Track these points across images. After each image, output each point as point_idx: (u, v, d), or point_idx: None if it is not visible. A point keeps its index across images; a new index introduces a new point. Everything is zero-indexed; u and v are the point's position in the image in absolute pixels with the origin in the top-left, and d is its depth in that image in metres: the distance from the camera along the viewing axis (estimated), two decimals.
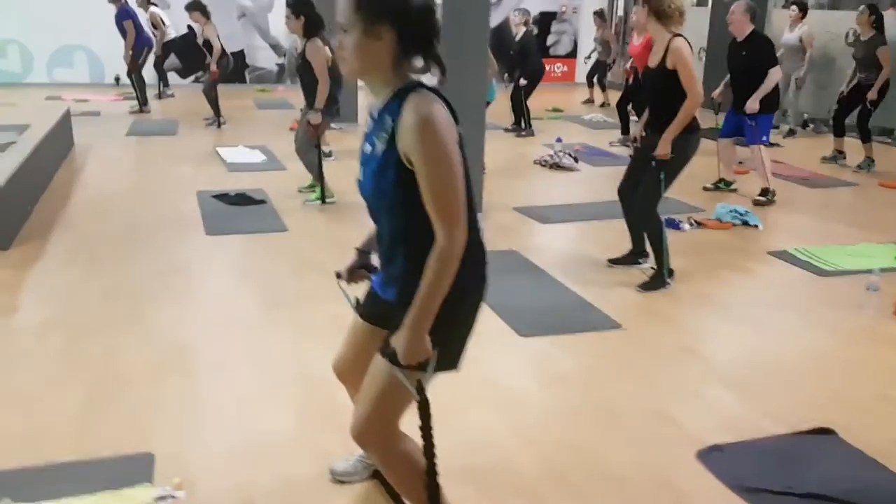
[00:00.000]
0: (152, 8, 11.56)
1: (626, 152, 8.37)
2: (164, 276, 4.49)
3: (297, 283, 4.43)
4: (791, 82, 9.45)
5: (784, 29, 9.65)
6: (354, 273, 2.31)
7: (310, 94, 5.91)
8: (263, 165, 7.54)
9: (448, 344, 1.94)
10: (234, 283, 4.45)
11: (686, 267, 4.74)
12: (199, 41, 9.64)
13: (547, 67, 15.74)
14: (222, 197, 6.22)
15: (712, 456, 2.74)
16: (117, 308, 4.01)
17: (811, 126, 10.16)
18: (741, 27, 6.07)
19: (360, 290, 2.30)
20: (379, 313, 2.12)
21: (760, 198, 6.38)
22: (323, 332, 3.72)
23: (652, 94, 4.53)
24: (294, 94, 12.96)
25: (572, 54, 16.08)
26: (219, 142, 8.66)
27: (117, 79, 13.44)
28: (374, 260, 2.20)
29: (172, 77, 13.03)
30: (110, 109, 10.81)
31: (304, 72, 5.88)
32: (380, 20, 1.80)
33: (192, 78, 13.85)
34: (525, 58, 9.56)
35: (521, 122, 9.71)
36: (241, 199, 6.16)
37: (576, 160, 7.74)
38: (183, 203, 6.07)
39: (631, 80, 8.63)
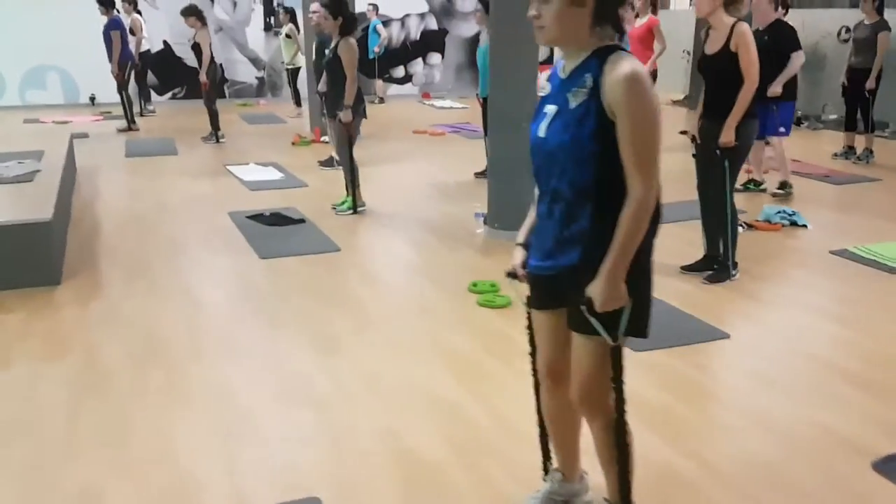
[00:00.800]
0: (135, 15, 11.23)
1: None
2: (242, 303, 4.30)
3: (380, 304, 4.29)
4: None
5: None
6: (526, 269, 2.24)
7: (338, 92, 5.86)
8: (283, 183, 7.33)
9: (639, 297, 1.98)
10: (319, 307, 4.26)
11: (759, 269, 4.74)
12: (190, 45, 9.34)
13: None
14: (258, 217, 6.02)
15: (891, 466, 2.70)
16: (213, 337, 3.82)
17: (805, 123, 10.35)
18: (766, 16, 6.10)
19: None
20: (552, 292, 2.13)
21: (779, 191, 6.53)
22: (432, 348, 3.61)
23: (713, 81, 4.54)
24: (278, 108, 12.80)
25: (549, 60, 16.14)
26: (226, 160, 8.42)
27: (92, 98, 13.05)
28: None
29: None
30: (96, 130, 10.43)
31: (333, 69, 5.88)
32: None
33: (168, 94, 13.52)
34: None
35: None
36: (280, 220, 5.96)
37: None
38: (219, 225, 5.85)
39: None
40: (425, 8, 14.84)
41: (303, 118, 11.71)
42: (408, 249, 5.32)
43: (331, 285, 4.60)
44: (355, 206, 5.98)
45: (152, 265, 4.95)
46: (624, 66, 1.86)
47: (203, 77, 9.04)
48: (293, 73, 11.96)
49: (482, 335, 3.84)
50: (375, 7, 13.40)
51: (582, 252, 1.99)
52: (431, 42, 15.08)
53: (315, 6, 7.50)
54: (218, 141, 9.37)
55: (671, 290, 4.40)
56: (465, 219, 6.04)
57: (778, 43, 6.13)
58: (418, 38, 14.95)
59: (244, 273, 4.81)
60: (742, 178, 6.85)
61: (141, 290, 4.49)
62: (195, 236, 5.57)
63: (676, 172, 5.76)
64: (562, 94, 1.98)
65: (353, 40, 5.78)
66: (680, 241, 5.13)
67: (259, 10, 13.73)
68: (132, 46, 10.89)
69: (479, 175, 7.50)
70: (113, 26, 9.94)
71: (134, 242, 5.42)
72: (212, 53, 9.15)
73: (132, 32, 11.01)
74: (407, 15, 14.72)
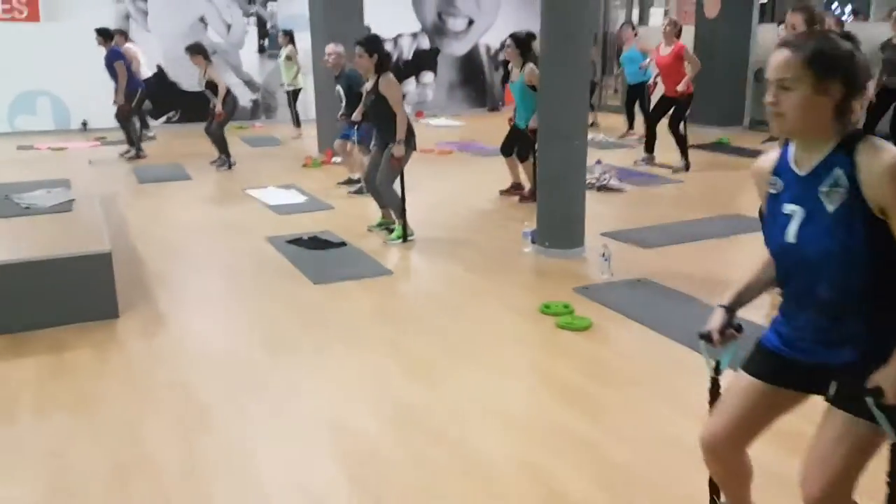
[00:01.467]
0: (128, 44, 11.06)
1: (657, 171, 8.52)
2: (316, 329, 4.20)
3: (459, 328, 4.21)
4: None
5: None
6: (724, 333, 2.15)
7: (387, 128, 5.75)
8: (308, 206, 7.24)
9: None
10: (398, 332, 4.17)
11: None
12: (201, 85, 9.24)
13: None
14: (298, 241, 5.92)
15: None
16: (303, 366, 3.72)
17: None
18: None
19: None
20: (804, 378, 1.96)
21: None
22: (533, 374, 3.56)
23: None
24: (275, 129, 12.68)
25: None
26: (242, 183, 8.29)
27: (84, 124, 12.81)
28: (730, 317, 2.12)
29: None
30: (96, 156, 10.21)
31: (377, 108, 5.78)
32: (831, 75, 1.77)
33: (163, 119, 13.33)
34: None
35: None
36: (320, 244, 5.87)
37: (619, 181, 7.78)
38: (260, 251, 5.74)
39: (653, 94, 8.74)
40: (417, 27, 14.87)
41: (303, 139, 11.66)
42: (459, 271, 5.26)
43: (399, 309, 4.53)
44: (405, 236, 5.91)
45: (209, 294, 4.83)
46: (883, 156, 1.72)
47: (220, 108, 8.93)
48: (293, 95, 11.89)
49: (577, 359, 3.77)
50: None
51: (860, 352, 1.84)
52: (424, 61, 15.10)
53: (330, 48, 7.58)
54: (230, 167, 9.22)
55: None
56: (505, 237, 6.01)
57: None
58: (410, 57, 14.96)
59: (304, 298, 4.71)
60: None
61: (206, 321, 4.38)
62: (241, 263, 5.46)
63: None
64: (808, 193, 1.84)
65: (392, 76, 5.74)
66: (733, 255, 5.15)
67: (253, 32, 13.63)
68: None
69: (504, 193, 7.49)
70: (114, 57, 9.75)
71: (182, 271, 5.29)
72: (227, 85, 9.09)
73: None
74: (399, 35, 14.72)
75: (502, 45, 15.76)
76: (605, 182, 7.63)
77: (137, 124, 11.44)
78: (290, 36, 11.74)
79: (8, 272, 4.13)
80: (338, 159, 9.52)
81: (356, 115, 7.31)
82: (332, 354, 3.90)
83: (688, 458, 2.54)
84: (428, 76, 15.24)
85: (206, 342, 4.07)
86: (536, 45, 6.25)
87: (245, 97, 13.84)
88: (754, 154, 9.56)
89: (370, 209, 7.11)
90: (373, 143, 6.20)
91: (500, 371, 3.68)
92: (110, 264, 4.35)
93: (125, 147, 10.23)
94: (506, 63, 13.81)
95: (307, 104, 12.35)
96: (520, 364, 3.75)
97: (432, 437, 3.05)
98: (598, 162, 8.07)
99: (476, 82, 15.68)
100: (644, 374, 3.60)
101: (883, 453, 1.84)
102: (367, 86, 5.89)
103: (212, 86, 8.99)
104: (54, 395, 3.49)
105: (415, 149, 5.90)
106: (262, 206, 7.24)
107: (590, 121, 12.40)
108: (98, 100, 12.73)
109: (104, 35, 9.92)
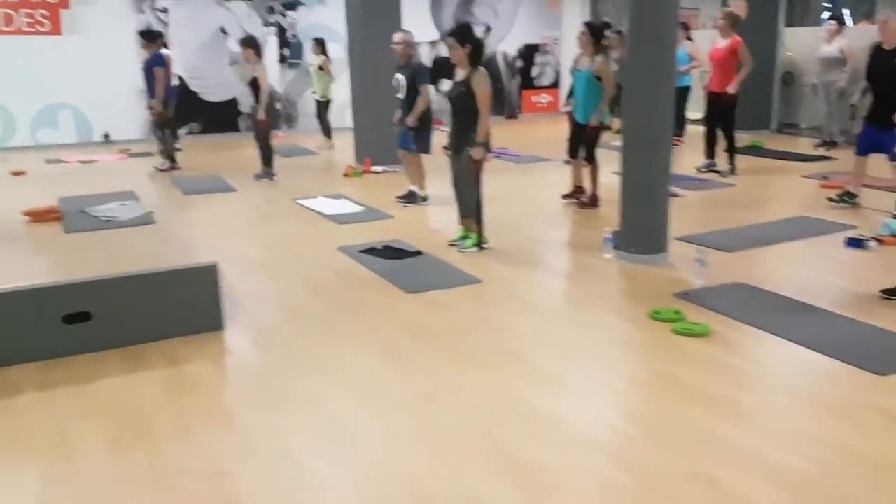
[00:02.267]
0: (165, 51, 10.95)
1: (703, 175, 8.54)
2: (430, 340, 4.15)
3: (575, 337, 4.18)
4: (831, 93, 9.91)
5: (816, 45, 10.17)
6: None
7: (466, 127, 5.62)
8: (366, 215, 7.18)
9: None
10: (517, 342, 4.14)
11: None
12: (245, 80, 9.12)
13: (532, 98, 16.15)
14: (372, 251, 5.87)
15: None
16: (434, 377, 3.67)
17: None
18: (894, 36, 5.98)
19: None
20: None
21: None
22: (677, 386, 3.53)
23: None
24: (300, 139, 12.62)
25: (555, 84, 16.32)
26: (290, 194, 8.24)
27: (106, 135, 12.70)
28: None
29: None
30: (129, 169, 10.11)
31: (463, 103, 5.60)
32: None
33: (184, 130, 13.23)
34: None
35: None
36: (396, 253, 5.83)
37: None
38: (337, 261, 5.69)
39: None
40: (436, 35, 14.88)
41: (335, 149, 11.61)
42: (547, 278, 5.24)
43: (503, 318, 4.48)
44: (481, 243, 5.82)
45: (304, 305, 4.77)
46: None
47: (262, 114, 8.83)
48: (325, 105, 11.83)
49: (708, 366, 3.74)
50: None
51: None
52: (442, 69, 15.05)
53: (399, 35, 7.43)
54: (272, 179, 9.14)
55: (874, 312, 4.41)
56: (579, 243, 6.01)
57: None
58: (431, 65, 14.93)
59: (402, 309, 4.66)
60: (836, 191, 7.02)
61: (313, 332, 4.32)
62: (323, 274, 5.40)
63: None
64: None
65: (485, 71, 5.59)
66: (824, 259, 5.14)
67: (273, 42, 13.57)
68: None
69: (567, 197, 7.45)
70: (156, 62, 9.61)
71: (266, 282, 5.22)
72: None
73: None
74: (418, 43, 14.70)
75: (519, 54, 15.98)
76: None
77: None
78: (322, 45, 11.67)
79: (120, 286, 4.06)
80: (380, 168, 9.51)
81: (412, 121, 7.26)
82: (454, 365, 3.85)
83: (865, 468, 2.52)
84: (446, 84, 15.19)
85: (322, 354, 4.02)
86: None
87: None
88: (793, 157, 9.64)
89: (430, 217, 7.12)
90: (445, 145, 6.04)
91: (629, 379, 3.65)
92: (217, 276, 4.30)
93: (161, 160, 10.09)
94: (522, 70, 13.77)
95: (338, 113, 12.34)
96: (647, 371, 3.71)
97: (586, 449, 3.02)
98: None
99: (494, 90, 15.67)
100: (785, 381, 3.58)
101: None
102: (457, 78, 5.71)
103: (255, 84, 8.83)
104: (190, 410, 3.43)
105: (490, 150, 5.81)
106: (318, 217, 7.19)
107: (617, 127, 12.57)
108: (119, 112, 12.72)
109: (148, 37, 9.76)
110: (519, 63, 15.91)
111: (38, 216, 5.35)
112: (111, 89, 12.53)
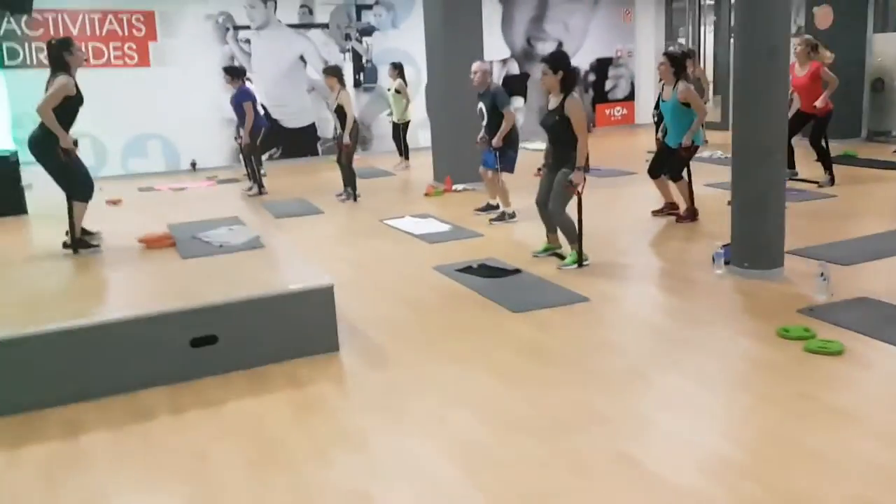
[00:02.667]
0: (248, 84, 11.24)
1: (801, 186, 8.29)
2: (552, 361, 4.10)
3: (707, 359, 4.06)
4: None
5: None
6: None
7: (565, 151, 5.65)
8: (456, 234, 7.19)
9: None
10: (644, 363, 4.07)
11: None
12: (331, 108, 9.34)
13: (606, 111, 16.02)
14: (468, 270, 5.86)
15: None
16: (556, 399, 3.61)
17: None
18: None
19: None
20: None
21: None
22: (823, 411, 3.38)
23: None
24: (375, 161, 12.76)
25: (630, 97, 16.16)
26: (376, 214, 8.31)
27: (193, 164, 13.08)
28: None
29: None
30: (220, 195, 10.37)
31: (560, 129, 5.63)
32: None
33: (265, 156, 13.52)
34: None
35: None
36: (494, 271, 5.79)
37: None
38: (434, 280, 5.69)
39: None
40: (507, 53, 14.92)
41: (412, 169, 11.72)
42: (658, 294, 5.13)
43: (622, 339, 4.37)
44: (580, 261, 5.77)
45: (414, 325, 4.78)
46: None
47: (347, 139, 9.00)
48: (403, 127, 11.96)
49: (852, 388, 3.59)
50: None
51: None
52: (514, 86, 15.07)
53: (476, 65, 7.57)
54: (356, 200, 9.26)
55: None
56: (683, 259, 5.88)
57: None
58: (500, 82, 14.96)
59: (513, 329, 4.61)
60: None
61: (428, 353, 4.30)
62: (425, 294, 5.40)
63: None
64: None
65: (578, 97, 5.62)
66: None
67: (349, 67, 13.80)
68: None
69: (657, 213, 7.35)
70: (243, 97, 9.89)
71: (372, 303, 5.24)
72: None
73: None
74: (490, 61, 14.75)
75: (591, 68, 15.89)
76: None
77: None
78: (399, 69, 11.84)
79: (244, 309, 4.14)
80: (461, 186, 9.54)
81: (497, 141, 7.31)
82: (578, 387, 3.77)
83: None
84: (518, 101, 15.20)
85: (440, 375, 3.99)
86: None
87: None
88: (888, 165, 9.28)
89: (522, 234, 7.08)
90: (541, 166, 6.10)
91: (765, 399, 3.51)
92: (332, 297, 4.34)
93: (248, 184, 10.36)
94: (595, 84, 13.62)
95: (411, 134, 12.46)
96: (784, 392, 3.53)
97: (733, 472, 2.90)
98: None
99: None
100: None
101: None
102: (550, 105, 5.74)
103: (341, 112, 9.01)
104: (321, 431, 3.44)
105: (588, 171, 5.78)
106: (408, 237, 7.22)
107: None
108: (205, 140, 13.10)
109: (233, 74, 10.10)
110: (591, 77, 15.81)
111: (153, 242, 5.50)
112: (197, 118, 12.91)
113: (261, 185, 10.27)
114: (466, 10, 9.66)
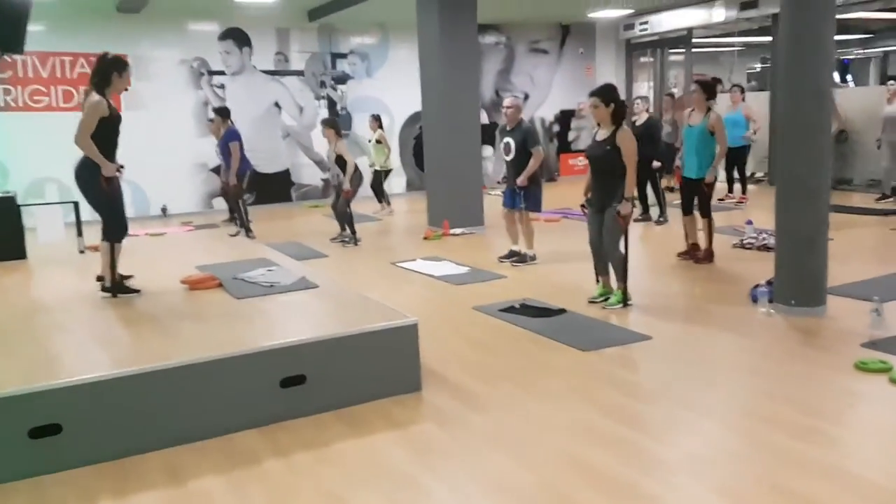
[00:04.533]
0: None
1: None
2: (645, 398, 4.09)
3: (793, 390, 4.14)
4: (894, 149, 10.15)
5: (871, 103, 10.46)
6: None
7: (611, 184, 5.65)
8: (477, 276, 7.15)
9: None
10: (736, 394, 4.09)
11: None
12: (330, 159, 9.29)
13: (570, 161, 16.41)
14: (511, 310, 5.83)
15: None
16: (687, 436, 3.60)
17: None
18: None
19: None
20: None
21: None
22: None
23: None
24: (354, 206, 12.64)
25: None
26: (383, 258, 8.23)
27: (164, 209, 12.71)
28: None
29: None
30: (203, 240, 10.06)
31: (609, 160, 5.63)
32: None
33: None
34: (654, 142, 9.54)
35: (660, 208, 9.76)
36: (540, 311, 5.78)
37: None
38: (482, 320, 5.65)
39: None
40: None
41: (396, 215, 11.70)
42: (717, 333, 5.13)
43: (713, 376, 4.37)
44: (625, 300, 5.80)
45: (487, 365, 4.70)
46: None
47: (347, 185, 8.94)
48: (385, 175, 11.97)
49: None
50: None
51: None
52: (483, 136, 15.28)
53: (509, 100, 7.57)
54: (356, 244, 9.15)
55: None
56: (720, 298, 6.00)
57: None
58: None
59: (593, 366, 4.59)
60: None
61: (515, 393, 4.22)
62: (483, 333, 5.35)
63: None
64: None
65: (628, 128, 5.68)
66: None
67: (324, 114, 13.74)
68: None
69: (682, 255, 7.43)
70: (231, 137, 9.75)
71: (433, 344, 5.11)
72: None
73: None
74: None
75: (555, 119, 16.30)
76: (765, 241, 7.69)
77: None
78: (378, 121, 11.95)
79: (332, 347, 4.01)
80: (458, 230, 9.55)
81: (522, 180, 7.30)
82: (705, 421, 3.78)
83: None
84: (487, 150, 15.43)
85: (540, 414, 3.92)
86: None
87: (315, 177, 13.92)
88: (861, 211, 9.77)
89: (545, 275, 7.09)
90: (583, 202, 6.05)
91: (884, 431, 3.59)
92: (416, 335, 4.24)
93: (234, 229, 10.11)
94: (559, 134, 13.89)
95: (388, 181, 12.44)
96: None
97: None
98: (749, 222, 8.17)
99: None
100: None
101: None
102: (599, 135, 5.76)
103: (340, 161, 8.99)
104: (449, 469, 3.33)
105: (636, 206, 5.79)
106: (428, 279, 7.16)
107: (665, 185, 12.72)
108: (176, 185, 12.77)
109: (223, 114, 9.97)
110: (556, 128, 16.23)
111: (197, 284, 5.28)
112: (168, 163, 12.60)
113: (248, 230, 10.03)
114: (464, 56, 9.82)
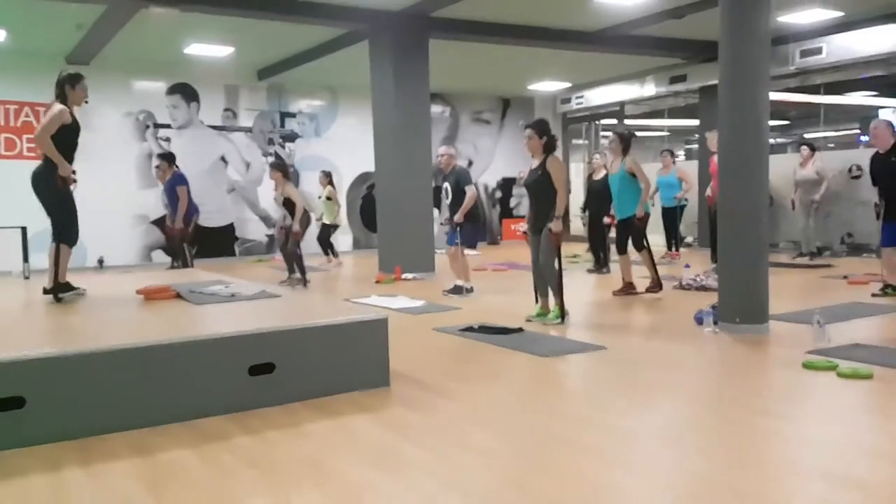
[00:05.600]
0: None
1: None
2: (620, 390, 4.19)
3: (747, 390, 4.31)
4: (810, 211, 10.78)
5: (789, 169, 11.14)
6: None
7: (545, 207, 6.12)
8: (433, 308, 7.25)
9: None
10: (682, 405, 4.24)
11: None
12: (278, 202, 9.36)
13: (512, 226, 16.82)
14: (471, 329, 5.92)
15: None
16: (677, 421, 3.70)
17: (828, 252, 11.33)
18: (885, 140, 6.95)
19: None
20: None
21: None
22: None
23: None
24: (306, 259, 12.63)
25: None
26: (340, 296, 8.24)
27: (101, 261, 12.43)
28: None
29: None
30: (148, 280, 9.87)
31: (541, 185, 6.16)
32: None
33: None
34: (606, 198, 9.96)
35: (600, 260, 10.09)
36: (498, 330, 5.86)
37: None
38: (444, 338, 5.72)
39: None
40: None
41: (344, 267, 11.74)
42: (670, 346, 5.29)
43: (679, 378, 4.50)
44: (562, 315, 6.12)
45: (453, 370, 4.76)
46: None
47: (296, 227, 9.01)
48: (333, 229, 12.07)
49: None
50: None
51: None
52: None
53: (442, 149, 8.25)
54: (305, 286, 9.14)
55: None
56: (666, 321, 6.23)
57: None
58: None
59: (561, 369, 4.71)
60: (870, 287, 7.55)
61: (478, 389, 4.27)
62: (448, 345, 5.45)
63: None
64: None
65: (557, 155, 6.23)
66: None
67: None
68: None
69: (618, 293, 7.74)
70: (178, 181, 9.74)
71: (399, 351, 5.13)
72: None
73: None
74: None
75: (498, 185, 16.79)
76: (702, 282, 8.02)
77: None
78: (329, 177, 12.16)
79: (303, 337, 4.01)
80: (410, 274, 9.65)
81: (459, 217, 7.71)
82: (689, 406, 3.90)
83: None
84: (433, 213, 15.72)
85: (514, 408, 3.96)
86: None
87: (260, 233, 13.89)
88: (787, 266, 10.30)
89: (498, 304, 7.24)
90: (525, 228, 6.47)
91: (830, 416, 3.78)
92: (387, 330, 4.29)
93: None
94: (501, 200, 14.36)
95: (333, 237, 12.51)
96: (854, 426, 3.73)
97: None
98: (687, 266, 8.54)
99: (475, 219, 16.27)
100: None
101: None
102: (533, 164, 6.28)
103: (288, 203, 9.08)
104: (441, 440, 3.34)
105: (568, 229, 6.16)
106: (386, 311, 7.14)
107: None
108: (114, 237, 12.54)
109: (169, 160, 9.96)
110: (498, 194, 16.69)
111: (154, 294, 5.21)
112: (108, 215, 12.39)
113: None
114: (416, 115, 10.19)
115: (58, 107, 5.17)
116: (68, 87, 5.28)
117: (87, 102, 5.57)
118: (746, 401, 3.90)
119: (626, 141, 7.76)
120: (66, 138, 5.19)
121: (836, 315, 6.26)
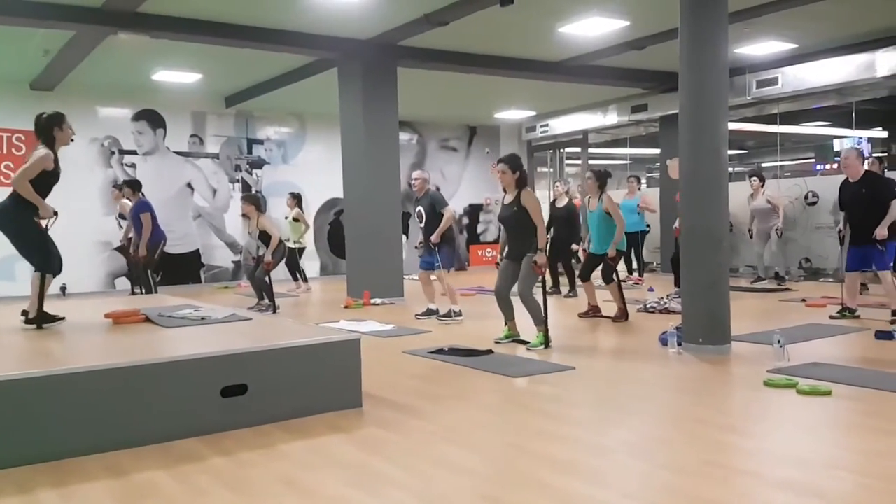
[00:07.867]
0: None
1: None
2: (594, 408, 4.27)
3: (710, 405, 4.43)
4: (772, 236, 11.06)
5: (745, 198, 11.42)
6: None
7: (522, 239, 6.20)
8: (403, 331, 7.30)
9: None
10: (654, 423, 4.34)
11: None
12: (253, 235, 9.38)
13: (479, 252, 16.96)
14: (440, 352, 5.97)
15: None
16: (643, 433, 3.78)
17: (788, 276, 11.60)
18: (856, 169, 7.21)
19: None
20: None
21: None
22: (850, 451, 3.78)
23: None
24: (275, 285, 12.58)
25: (498, 240, 17.23)
26: (309, 321, 8.25)
27: (63, 288, 12.23)
28: None
29: None
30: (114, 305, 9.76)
31: (518, 219, 6.22)
32: None
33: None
34: (572, 225, 10.18)
35: (570, 284, 10.24)
36: (467, 352, 5.93)
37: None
38: (414, 361, 5.76)
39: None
40: None
41: (313, 292, 11.72)
42: (637, 365, 5.41)
43: (648, 393, 4.64)
44: (547, 341, 6.15)
45: (425, 391, 4.79)
46: None
47: (269, 257, 9.04)
48: (300, 252, 12.04)
49: (864, 416, 4.06)
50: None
51: None
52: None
53: (417, 174, 8.25)
54: (275, 312, 9.13)
55: None
56: (632, 344, 6.35)
57: (875, 192, 7.02)
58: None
59: (524, 388, 4.78)
60: (826, 310, 7.77)
61: (449, 409, 4.33)
62: (418, 368, 5.47)
63: None
64: None
65: (530, 189, 6.34)
66: None
67: (238, 197, 13.80)
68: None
69: (583, 315, 7.89)
70: (143, 208, 9.70)
71: (369, 375, 5.17)
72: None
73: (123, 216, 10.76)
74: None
75: (465, 212, 16.94)
76: (665, 305, 8.19)
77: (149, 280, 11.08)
78: (297, 199, 12.15)
79: (276, 358, 4.04)
80: (378, 299, 9.67)
81: (435, 237, 7.76)
82: (658, 425, 3.99)
83: None
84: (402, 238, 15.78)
85: (487, 426, 4.03)
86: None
87: (227, 259, 13.81)
88: (748, 290, 10.52)
89: (468, 329, 7.30)
90: (502, 256, 6.53)
91: (791, 428, 3.91)
92: (359, 350, 4.33)
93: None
94: (468, 227, 14.56)
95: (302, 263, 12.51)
96: (818, 439, 3.85)
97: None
98: (651, 289, 8.71)
99: (451, 241, 16.37)
100: None
101: None
102: (506, 199, 6.36)
103: (264, 235, 9.11)
104: (416, 458, 3.38)
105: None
106: (357, 334, 7.16)
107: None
108: (77, 265, 12.34)
109: (133, 186, 9.94)
110: (465, 220, 16.83)
111: (122, 318, 5.19)
112: (71, 242, 12.06)
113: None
114: (384, 142, 10.32)
115: (42, 151, 5.03)
116: (56, 130, 5.14)
117: (73, 141, 5.50)
118: (711, 417, 4.02)
119: (601, 178, 7.94)
120: (44, 183, 5.10)
121: (796, 336, 6.44)
